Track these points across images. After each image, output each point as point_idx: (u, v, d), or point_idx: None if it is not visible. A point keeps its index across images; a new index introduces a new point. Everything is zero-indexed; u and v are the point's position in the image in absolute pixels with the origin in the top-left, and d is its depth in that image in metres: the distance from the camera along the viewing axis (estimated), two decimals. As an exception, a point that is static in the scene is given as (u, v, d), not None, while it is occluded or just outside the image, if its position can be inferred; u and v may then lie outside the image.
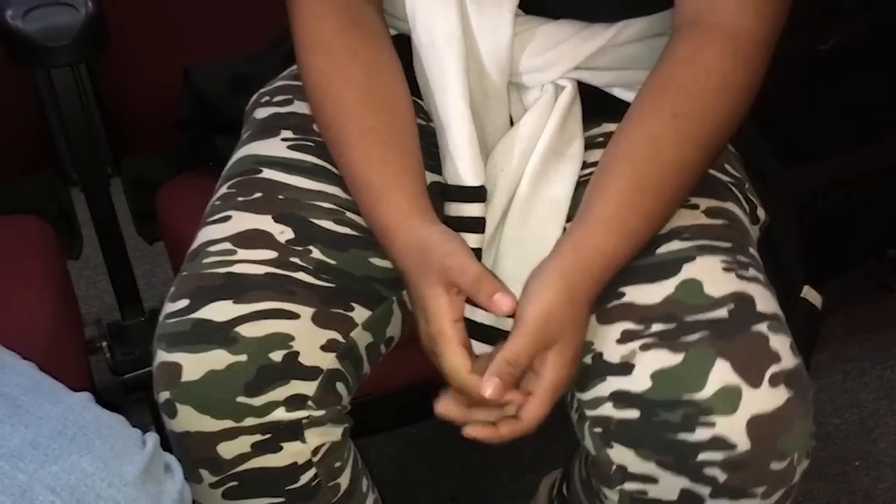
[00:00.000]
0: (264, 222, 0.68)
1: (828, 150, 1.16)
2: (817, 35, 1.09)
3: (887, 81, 1.14)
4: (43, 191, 1.05)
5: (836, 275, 1.29)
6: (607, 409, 0.63)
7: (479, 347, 0.65)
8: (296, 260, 0.66)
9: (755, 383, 0.59)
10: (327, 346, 0.65)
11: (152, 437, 0.53)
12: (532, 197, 0.70)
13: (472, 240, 0.69)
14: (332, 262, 0.67)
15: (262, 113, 0.80)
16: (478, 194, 0.70)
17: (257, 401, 0.62)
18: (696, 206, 0.70)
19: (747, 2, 0.65)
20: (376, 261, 0.69)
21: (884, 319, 1.37)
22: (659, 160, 0.64)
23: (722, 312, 0.62)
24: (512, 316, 0.61)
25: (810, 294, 0.79)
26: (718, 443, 0.59)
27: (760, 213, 0.77)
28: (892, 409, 1.25)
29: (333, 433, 0.67)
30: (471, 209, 0.70)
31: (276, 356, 0.62)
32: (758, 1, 0.65)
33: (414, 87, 0.73)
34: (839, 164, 1.17)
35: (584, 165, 0.73)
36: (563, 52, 0.72)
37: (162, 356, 0.63)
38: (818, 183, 1.17)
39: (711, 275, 0.64)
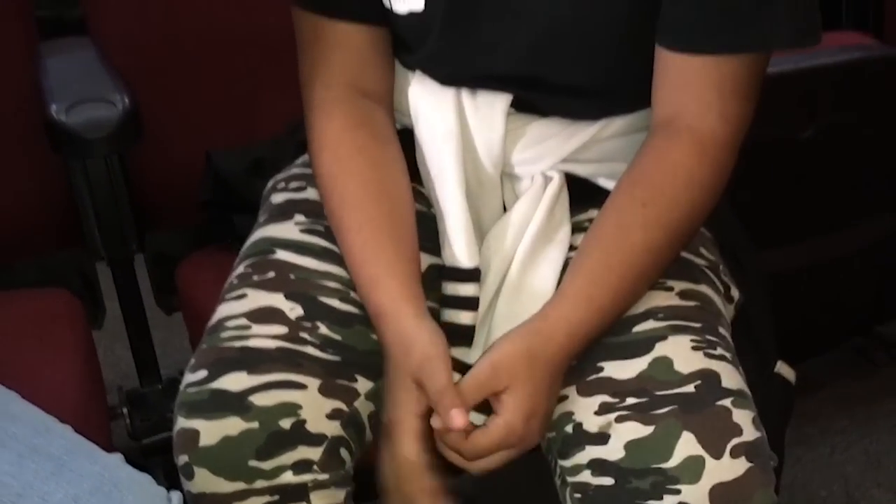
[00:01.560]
0: (276, 300, 0.74)
1: (807, 232, 1.22)
2: (797, 124, 1.16)
3: (863, 169, 1.21)
4: (71, 265, 1.12)
5: (822, 351, 1.35)
6: (586, 476, 0.68)
7: None
8: (304, 335, 0.72)
9: (717, 454, 0.65)
10: (332, 415, 0.71)
11: (176, 496, 0.59)
12: (523, 278, 0.77)
13: (466, 317, 0.76)
14: (338, 337, 0.74)
15: (277, 198, 0.87)
16: (472, 275, 0.77)
17: (267, 465, 0.68)
18: (671, 289, 0.76)
19: (712, 106, 0.72)
20: (377, 337, 0.75)
21: (871, 393, 1.42)
22: (627, 242, 0.71)
23: (689, 388, 0.68)
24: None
25: (784, 369, 0.84)
26: None
27: (734, 292, 0.84)
28: (878, 481, 1.28)
29: (337, 496, 0.72)
30: (465, 289, 0.76)
31: (285, 423, 0.68)
32: (722, 106, 0.72)
33: (418, 176, 0.81)
34: (818, 246, 1.23)
35: (571, 249, 0.79)
36: (551, 147, 0.79)
37: (181, 423, 0.69)
38: (798, 263, 1.22)
39: (681, 353, 0.70)
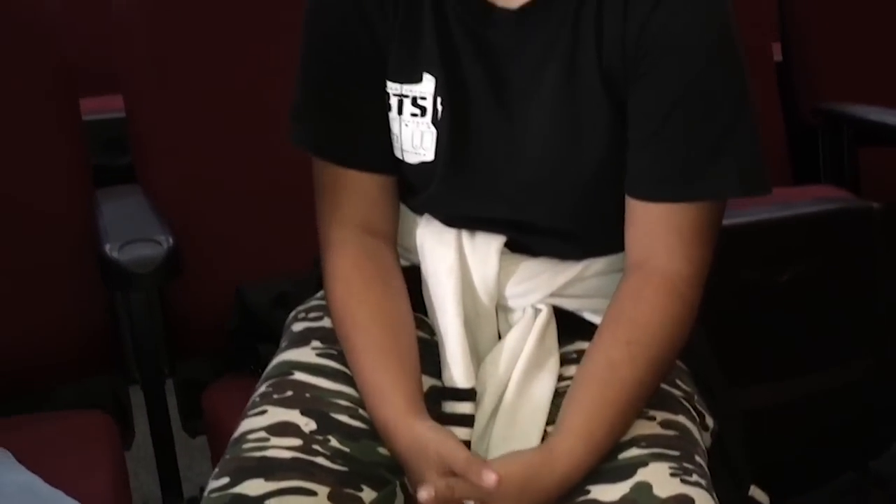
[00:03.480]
0: (293, 416, 0.83)
1: (788, 370, 1.29)
2: (775, 269, 1.26)
3: (839, 314, 1.29)
4: (107, 388, 1.22)
5: (816, 485, 1.38)
6: None
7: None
8: (317, 447, 0.80)
9: None
10: (340, 520, 0.78)
11: None
12: (517, 401, 0.85)
13: (462, 433, 0.83)
14: (346, 449, 0.82)
15: (297, 327, 0.97)
16: (468, 395, 0.85)
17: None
18: (653, 418, 0.84)
19: (676, 250, 0.83)
20: (383, 450, 0.83)
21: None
22: (617, 378, 0.80)
23: None
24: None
25: (757, 493, 0.91)
26: None
27: (709, 421, 0.91)
28: None
29: None
30: (462, 407, 0.85)
31: None
32: (685, 249, 0.83)
33: (423, 307, 0.91)
34: (800, 383, 1.29)
35: (561, 378, 0.87)
36: (540, 283, 0.89)
37: (205, 524, 0.77)
38: (783, 399, 1.29)
39: (660, 479, 0.77)
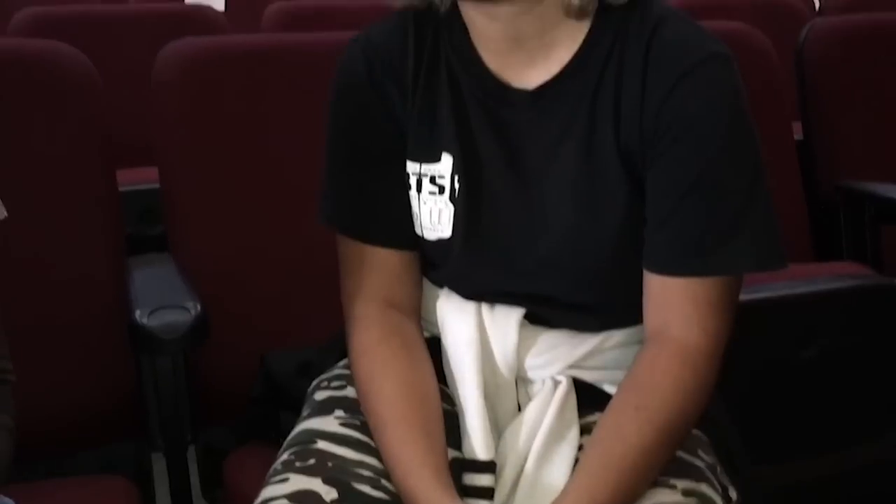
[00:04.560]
0: (315, 484, 0.83)
1: (818, 447, 1.28)
2: (797, 345, 1.26)
3: (863, 391, 1.28)
4: (130, 454, 1.23)
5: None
6: None
7: None
8: (338, 516, 0.81)
9: None
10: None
11: None
12: (537, 473, 0.85)
13: (482, 505, 0.84)
14: None
15: (320, 395, 0.98)
16: (488, 467, 0.86)
17: None
18: (674, 486, 0.84)
19: (693, 321, 0.84)
20: None
21: None
22: (623, 443, 0.81)
23: None
24: None
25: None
26: None
27: (732, 493, 0.91)
28: None
29: None
30: (482, 479, 0.85)
31: None
32: (701, 321, 0.84)
33: (444, 378, 0.92)
34: (830, 460, 1.28)
35: (581, 450, 0.87)
36: (559, 355, 0.90)
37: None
38: (814, 476, 1.27)
39: None
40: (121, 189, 1.31)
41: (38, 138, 1.20)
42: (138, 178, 1.63)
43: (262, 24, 2.29)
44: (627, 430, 0.81)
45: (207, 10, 2.34)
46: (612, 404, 0.84)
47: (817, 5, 3.02)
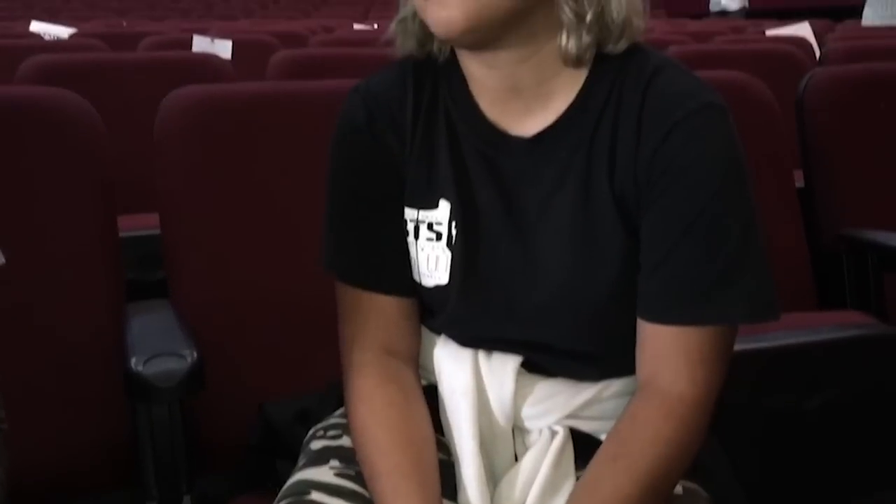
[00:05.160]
0: (308, 535, 0.83)
1: (825, 499, 1.26)
2: (801, 395, 1.25)
3: (870, 443, 1.26)
4: (124, 504, 1.22)
5: None
6: None
7: None
8: (331, 568, 0.80)
9: None
10: None
11: None
12: (534, 525, 0.84)
13: (477, 557, 0.82)
14: None
15: (316, 445, 0.97)
16: (484, 518, 0.85)
17: None
18: None
19: (682, 372, 0.83)
20: None
21: None
22: (599, 493, 0.80)
23: None
24: None
25: None
26: None
27: (732, 548, 0.89)
28: None
29: None
30: (477, 531, 0.84)
31: None
32: (690, 371, 0.83)
33: (440, 427, 0.91)
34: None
35: None
36: (557, 404, 0.89)
37: None
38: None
39: None
40: (123, 234, 1.31)
41: (39, 184, 1.21)
42: (142, 224, 1.63)
43: (267, 73, 2.32)
44: (604, 481, 0.81)
45: (214, 59, 2.37)
46: (595, 455, 0.84)
47: (817, 55, 3.05)
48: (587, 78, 0.86)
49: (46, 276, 1.20)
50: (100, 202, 1.24)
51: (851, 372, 1.27)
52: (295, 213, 1.29)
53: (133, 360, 1.00)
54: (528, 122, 0.88)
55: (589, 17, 0.82)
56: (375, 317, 0.92)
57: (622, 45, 0.85)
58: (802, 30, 3.65)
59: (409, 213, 0.91)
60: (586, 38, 0.82)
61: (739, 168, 0.84)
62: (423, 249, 0.90)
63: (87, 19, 6.16)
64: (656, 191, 0.83)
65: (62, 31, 3.89)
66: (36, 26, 4.06)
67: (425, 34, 0.89)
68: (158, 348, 1.04)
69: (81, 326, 1.20)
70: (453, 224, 0.89)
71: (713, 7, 7.88)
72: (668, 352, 0.83)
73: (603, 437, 0.90)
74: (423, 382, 0.95)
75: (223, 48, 2.97)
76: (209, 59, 2.37)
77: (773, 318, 0.84)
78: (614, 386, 0.90)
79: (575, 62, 0.84)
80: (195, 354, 1.02)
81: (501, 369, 0.89)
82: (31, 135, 1.21)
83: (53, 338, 1.19)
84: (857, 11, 5.49)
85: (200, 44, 3.02)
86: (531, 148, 0.87)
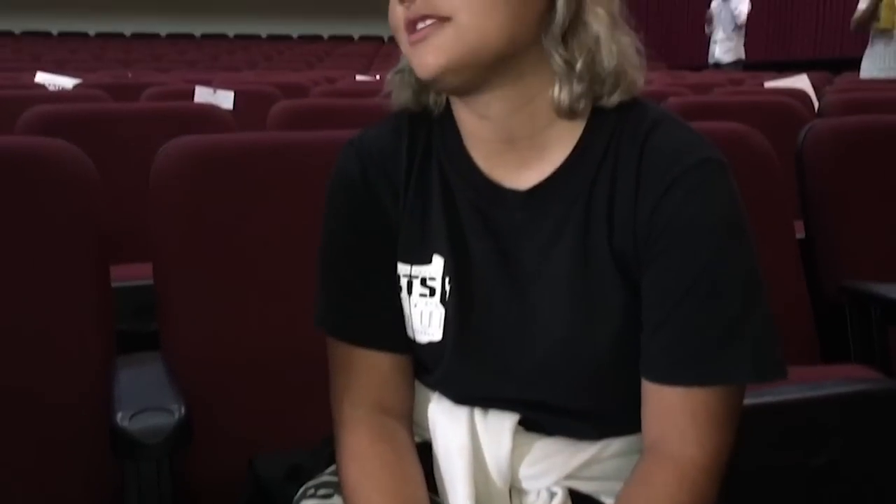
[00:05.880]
0: None
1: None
2: (806, 451, 1.21)
3: (877, 499, 1.23)
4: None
5: None
6: None
7: None
8: None
9: None
10: None
11: None
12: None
13: None
14: None
15: (306, 504, 0.94)
16: (479, 584, 0.81)
17: None
18: None
19: (689, 434, 0.81)
20: None
21: None
22: None
23: None
24: None
25: None
26: None
27: None
28: None
29: None
30: None
31: None
32: (698, 434, 0.81)
33: (434, 486, 0.88)
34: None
35: None
36: (555, 464, 0.87)
37: None
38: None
39: None
40: (119, 284, 1.30)
41: (28, 234, 1.19)
42: (139, 274, 1.61)
43: (267, 123, 2.32)
44: None
45: (214, 109, 2.38)
46: None
47: (816, 107, 3.06)
48: (584, 130, 0.85)
49: (33, 330, 1.18)
50: (92, 254, 1.23)
51: (858, 428, 1.24)
52: (290, 266, 1.28)
53: (119, 416, 0.98)
54: (524, 175, 0.86)
55: (579, 66, 0.81)
56: (367, 373, 0.90)
57: (617, 98, 0.84)
58: (800, 82, 3.67)
59: (403, 269, 0.90)
60: (578, 88, 0.82)
61: (740, 224, 0.82)
62: (416, 305, 0.88)
63: (94, 70, 6.22)
64: (657, 248, 0.81)
65: (66, 82, 3.92)
66: (41, 77, 4.09)
67: (420, 86, 0.88)
68: (145, 403, 1.01)
69: (68, 381, 1.18)
70: (447, 279, 0.87)
71: (711, 59, 7.98)
72: (674, 413, 0.81)
73: (603, 498, 0.88)
74: (417, 439, 0.92)
75: (225, 99, 2.98)
76: (209, 110, 2.37)
77: (779, 377, 0.81)
78: (614, 445, 0.88)
79: (568, 113, 0.83)
80: (183, 409, 1.00)
81: (498, 428, 0.87)
82: (23, 184, 1.20)
83: (38, 392, 1.16)
84: (855, 64, 5.54)
85: (202, 94, 3.04)
86: (527, 201, 0.86)
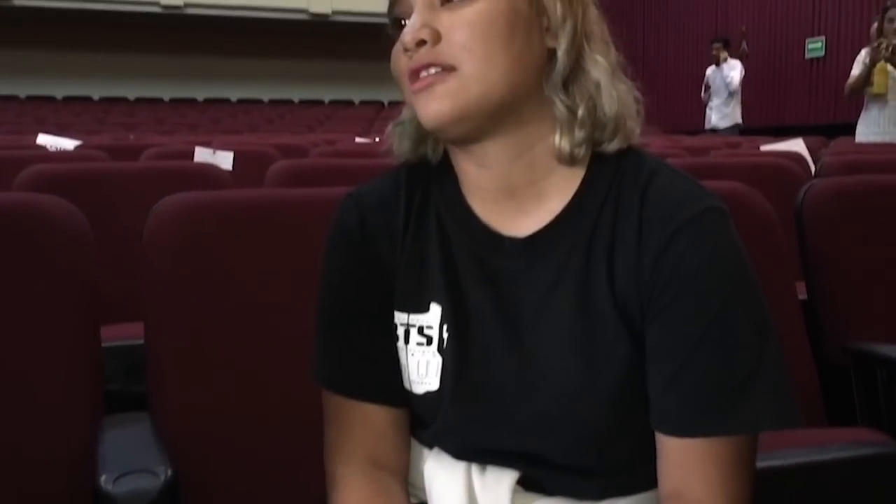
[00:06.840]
0: None
1: None
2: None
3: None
4: None
5: None
6: None
7: None
8: None
9: None
10: None
11: None
12: None
13: None
14: None
15: (296, 569, 0.91)
16: None
17: None
18: None
19: (714, 483, 0.78)
20: None
21: None
22: None
23: None
24: None
25: None
26: None
27: None
28: None
29: None
30: None
31: None
32: (724, 483, 0.78)
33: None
34: None
35: None
36: (555, 527, 0.84)
37: None
38: None
39: None
40: (109, 344, 1.27)
41: (18, 291, 1.17)
42: (129, 334, 1.59)
43: (265, 182, 2.32)
44: None
45: (212, 169, 2.38)
46: None
47: (812, 170, 3.08)
48: (584, 178, 0.85)
49: (20, 384, 1.15)
50: (81, 311, 1.20)
51: (865, 492, 1.21)
52: (283, 326, 1.25)
53: (103, 478, 0.94)
54: (523, 223, 0.85)
55: (581, 112, 0.81)
56: (362, 426, 0.87)
57: (616, 145, 0.84)
58: (797, 145, 3.69)
59: (400, 318, 0.88)
60: (579, 135, 0.81)
61: (746, 270, 0.81)
62: (413, 354, 0.86)
63: (97, 133, 6.27)
64: (663, 299, 0.80)
65: (68, 144, 3.94)
66: (43, 139, 4.12)
67: (419, 135, 0.88)
68: (130, 465, 0.98)
69: (54, 438, 1.14)
70: (444, 328, 0.85)
71: (708, 125, 8.07)
72: (696, 463, 0.78)
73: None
74: (413, 501, 0.89)
75: (224, 159, 2.99)
76: (207, 169, 2.37)
77: (798, 424, 0.79)
78: (617, 506, 0.84)
79: (569, 160, 0.83)
80: (170, 472, 0.96)
81: (496, 486, 0.84)
82: (13, 239, 1.18)
83: (22, 448, 1.13)
84: (849, 129, 5.60)
85: (202, 155, 3.05)
86: (525, 249, 0.85)
